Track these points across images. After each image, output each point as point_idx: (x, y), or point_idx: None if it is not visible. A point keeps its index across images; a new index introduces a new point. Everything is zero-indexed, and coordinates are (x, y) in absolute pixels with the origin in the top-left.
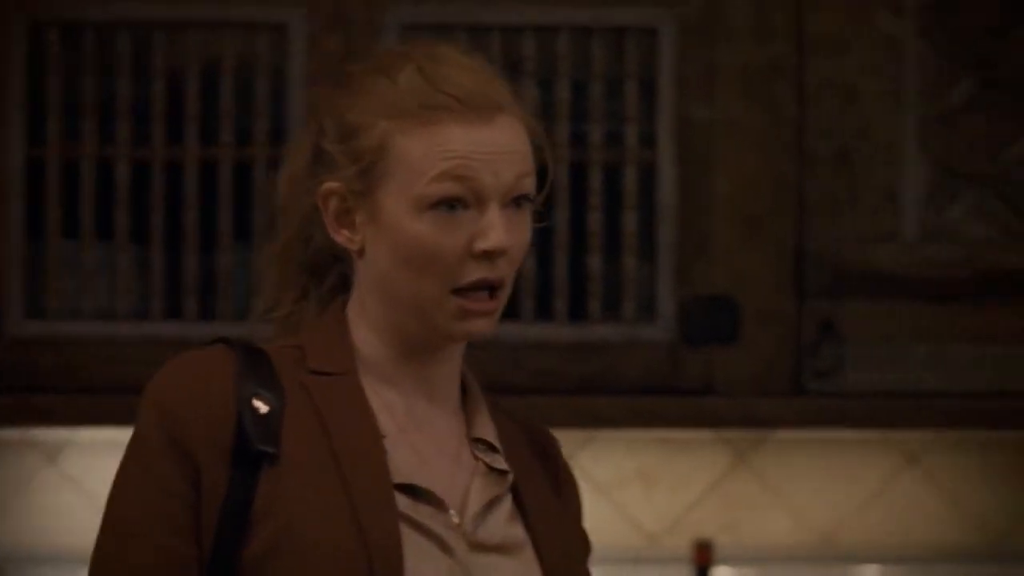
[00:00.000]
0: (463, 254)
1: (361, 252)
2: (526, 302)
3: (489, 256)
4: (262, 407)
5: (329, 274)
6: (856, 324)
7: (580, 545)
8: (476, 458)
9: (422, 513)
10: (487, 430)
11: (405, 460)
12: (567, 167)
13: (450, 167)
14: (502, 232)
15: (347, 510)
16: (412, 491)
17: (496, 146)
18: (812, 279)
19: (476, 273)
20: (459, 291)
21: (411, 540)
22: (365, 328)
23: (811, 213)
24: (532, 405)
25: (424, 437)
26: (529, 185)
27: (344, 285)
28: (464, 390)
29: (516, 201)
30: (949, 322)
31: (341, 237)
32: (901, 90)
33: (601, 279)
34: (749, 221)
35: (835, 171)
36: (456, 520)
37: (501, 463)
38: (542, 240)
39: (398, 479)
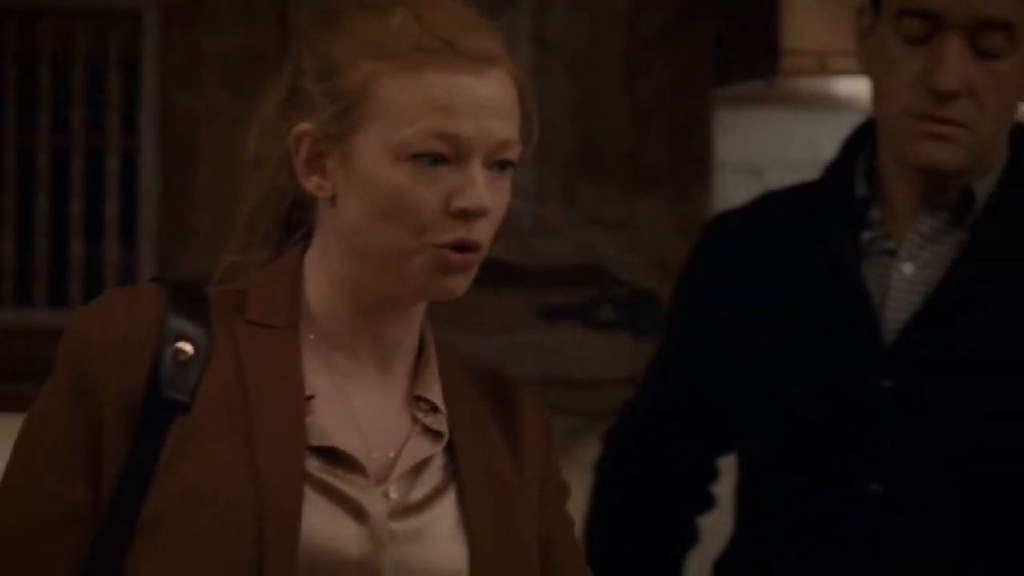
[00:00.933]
0: (441, 211)
1: (332, 200)
2: (4, 287)
3: (467, 215)
4: (182, 354)
5: (301, 226)
6: None
7: (546, 493)
8: (415, 420)
9: (338, 477)
10: (431, 388)
11: (332, 422)
12: (48, 153)
13: (435, 118)
14: (482, 190)
15: (249, 470)
16: (330, 454)
17: (485, 100)
18: None
19: (454, 232)
20: (434, 247)
21: (317, 505)
22: (322, 281)
23: None
24: None
25: (364, 398)
26: (513, 152)
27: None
28: (420, 348)
29: (500, 164)
30: None
31: (311, 184)
32: None
33: (82, 265)
34: (232, 209)
35: None
36: (380, 487)
37: (439, 423)
38: (21, 225)
39: (316, 441)
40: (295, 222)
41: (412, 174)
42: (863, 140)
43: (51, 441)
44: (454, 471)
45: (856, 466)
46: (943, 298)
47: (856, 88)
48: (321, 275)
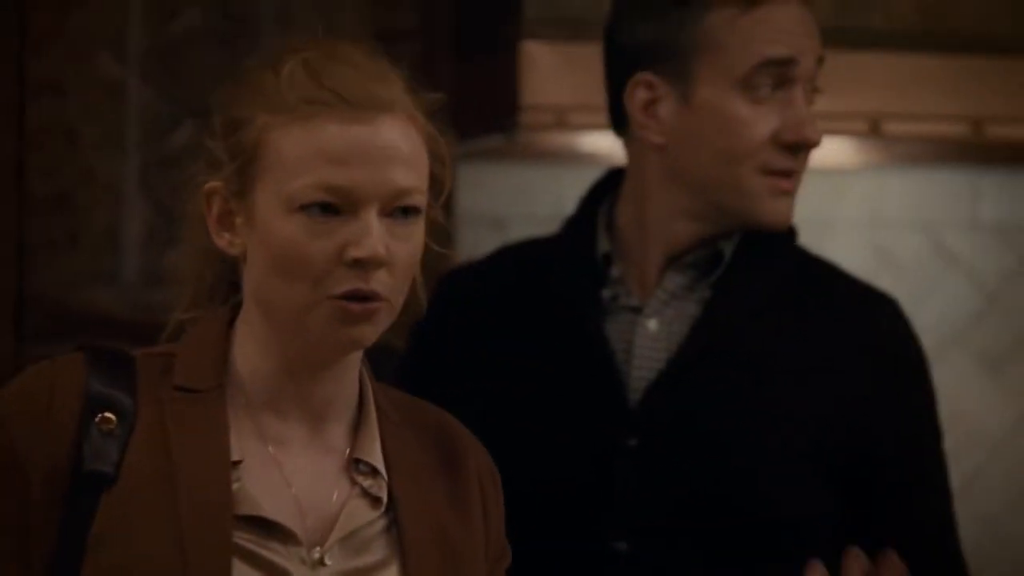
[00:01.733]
0: (334, 261)
1: (244, 257)
2: None
3: (362, 265)
4: (106, 424)
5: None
6: None
7: (495, 556)
8: (353, 483)
9: (268, 547)
10: (371, 450)
11: (261, 488)
12: None
13: (323, 170)
14: (376, 240)
15: (176, 543)
16: (260, 523)
17: (377, 148)
18: (31, 321)
19: (348, 283)
20: (331, 299)
21: None
22: (248, 342)
23: (32, 256)
24: None
25: (296, 462)
26: (418, 199)
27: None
28: (360, 405)
29: (403, 211)
30: None
31: (223, 241)
32: (124, 133)
33: None
34: None
35: (56, 214)
36: (313, 555)
37: (378, 488)
38: None
39: (245, 510)
40: (229, 285)
41: (304, 226)
42: (602, 195)
43: None
44: (397, 537)
45: (602, 524)
46: (685, 356)
47: (596, 143)
48: (247, 336)
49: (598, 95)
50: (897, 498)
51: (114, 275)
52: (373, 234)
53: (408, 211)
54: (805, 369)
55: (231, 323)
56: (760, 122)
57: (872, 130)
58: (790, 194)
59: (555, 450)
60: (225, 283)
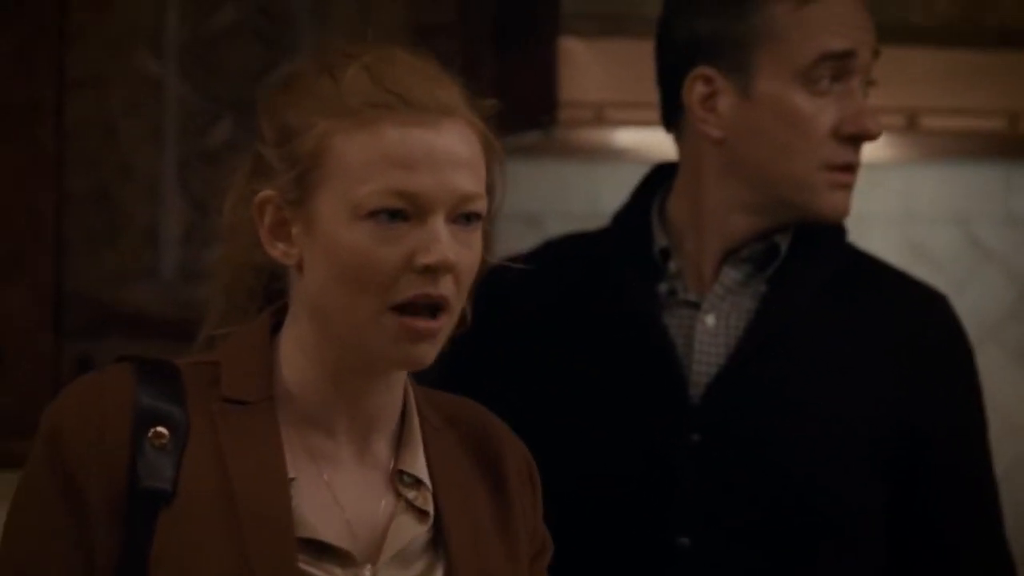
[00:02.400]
0: (402, 268)
1: (300, 267)
2: None
3: (431, 271)
4: (159, 439)
5: (277, 299)
6: None
7: (535, 551)
8: (399, 495)
9: (326, 569)
10: (415, 461)
11: (315, 509)
12: None
13: (392, 175)
14: (446, 246)
15: (240, 565)
16: (316, 545)
17: (443, 153)
18: (71, 317)
19: (416, 288)
20: (397, 309)
21: None
22: (296, 354)
23: (69, 251)
24: None
25: (343, 477)
26: (480, 204)
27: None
28: (403, 417)
29: (466, 217)
30: None
31: (277, 251)
32: (162, 129)
33: None
34: (3, 258)
35: (95, 208)
36: (366, 573)
37: (424, 501)
38: None
39: (302, 532)
40: (274, 294)
41: (371, 233)
42: (654, 190)
43: (41, 541)
44: (443, 549)
45: (665, 520)
46: (744, 351)
47: (633, 139)
48: (295, 347)
49: (636, 91)
50: (946, 490)
51: (153, 271)
52: (442, 240)
53: (471, 217)
54: (858, 363)
55: (273, 333)
56: (821, 115)
57: (910, 125)
58: (849, 187)
59: (617, 446)
60: (260, 298)
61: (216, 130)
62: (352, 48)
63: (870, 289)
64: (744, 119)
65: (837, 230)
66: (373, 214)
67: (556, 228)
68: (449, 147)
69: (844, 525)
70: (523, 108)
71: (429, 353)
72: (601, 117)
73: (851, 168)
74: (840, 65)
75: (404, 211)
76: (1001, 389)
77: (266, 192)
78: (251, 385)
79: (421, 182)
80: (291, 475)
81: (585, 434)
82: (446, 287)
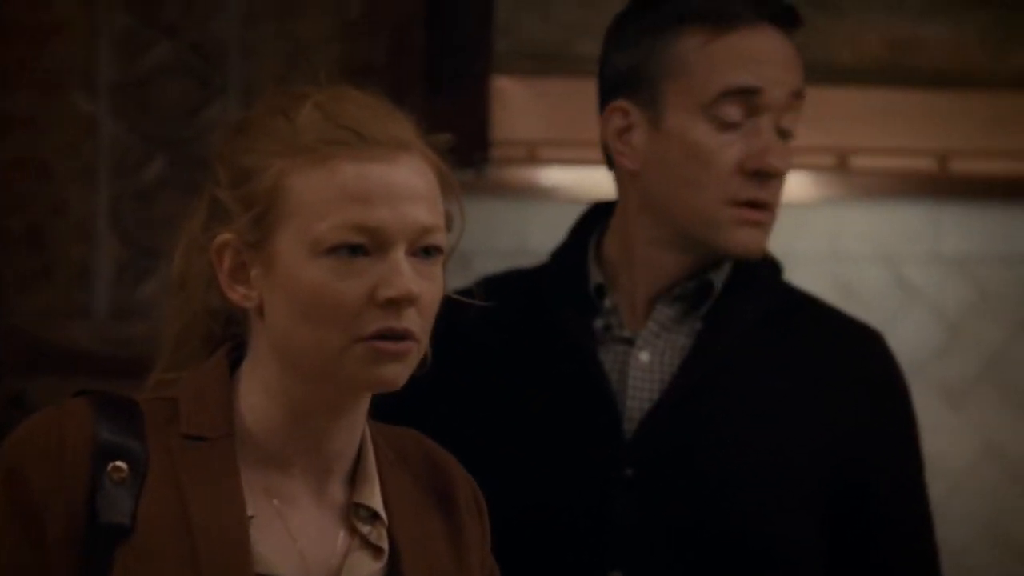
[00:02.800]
0: (365, 303)
1: (260, 310)
2: None
3: (394, 304)
4: (118, 473)
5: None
6: (47, 400)
7: None
8: (354, 532)
9: None
10: (372, 495)
11: (271, 546)
12: None
13: (350, 210)
14: (408, 278)
15: None
16: None
17: (400, 186)
18: (3, 354)
19: (380, 322)
20: (363, 340)
21: None
22: (258, 394)
23: (2, 288)
24: None
25: (300, 514)
26: (439, 237)
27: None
28: (359, 452)
29: (425, 250)
30: None
31: (237, 295)
32: (95, 167)
33: None
34: None
35: (28, 246)
36: None
37: (378, 537)
38: None
39: (260, 569)
40: (227, 339)
41: (332, 269)
42: (591, 227)
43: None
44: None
45: (599, 553)
46: (678, 388)
47: (563, 177)
48: (256, 388)
49: (568, 129)
50: (885, 528)
51: (86, 309)
52: (403, 272)
53: (430, 250)
54: (795, 401)
55: (231, 372)
56: (725, 150)
57: (839, 164)
58: (760, 224)
59: (551, 480)
60: (215, 343)
61: (149, 168)
62: (304, 89)
63: (805, 326)
64: (655, 152)
65: (773, 268)
66: (333, 250)
67: (484, 266)
68: (406, 180)
69: (777, 561)
70: (455, 147)
71: (400, 374)
72: (533, 155)
73: (757, 205)
74: (746, 101)
75: (364, 246)
76: (928, 429)
77: (224, 236)
78: (210, 421)
79: (380, 216)
80: (249, 512)
81: (523, 466)
82: (410, 320)
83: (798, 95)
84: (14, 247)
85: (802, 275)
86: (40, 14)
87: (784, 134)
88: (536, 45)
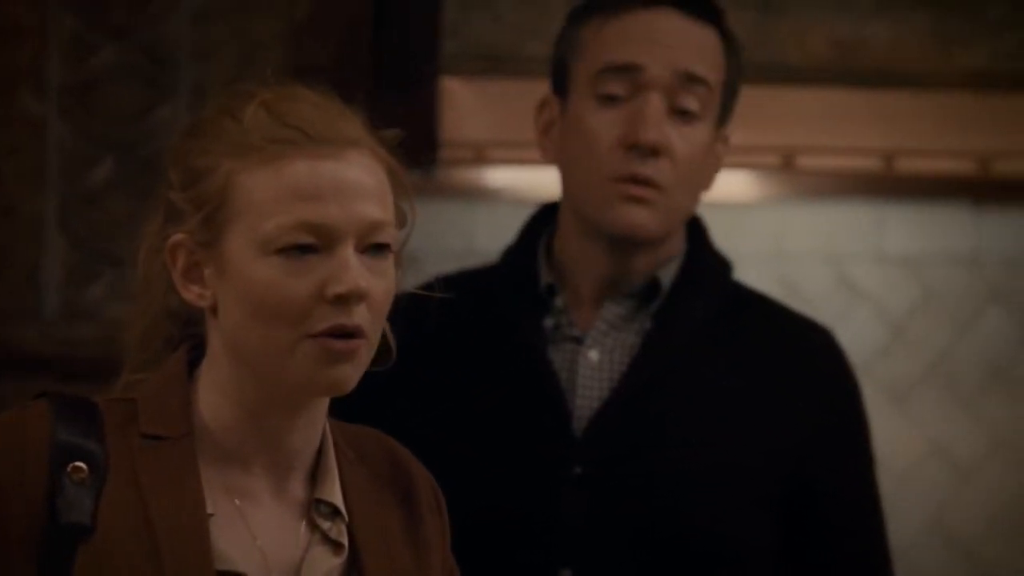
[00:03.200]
0: (315, 300)
1: (214, 309)
2: None
3: (343, 300)
4: (78, 474)
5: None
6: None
7: None
8: (314, 528)
9: None
10: (332, 492)
11: (231, 543)
12: None
13: (298, 208)
14: (356, 274)
15: None
16: None
17: (348, 183)
18: None
19: (330, 319)
20: (312, 337)
21: None
22: (215, 393)
23: None
24: None
25: (260, 512)
26: (388, 234)
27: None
28: (319, 450)
29: (375, 247)
30: None
31: (191, 294)
32: (43, 169)
33: None
34: None
35: None
36: None
37: (338, 533)
38: None
39: (221, 565)
40: (190, 339)
41: (281, 267)
42: (542, 227)
43: None
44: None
45: (548, 553)
46: (627, 386)
47: (511, 178)
48: (213, 388)
49: (516, 131)
50: (837, 526)
51: (35, 311)
52: (352, 268)
53: (380, 247)
54: (745, 399)
55: (189, 371)
56: (608, 127)
57: (785, 164)
58: (643, 201)
59: (501, 478)
60: (174, 341)
61: (97, 170)
62: (252, 88)
63: (755, 324)
64: (561, 140)
65: (723, 266)
66: (282, 250)
67: (433, 267)
68: (354, 177)
69: (727, 559)
70: (403, 148)
71: (351, 376)
72: (481, 157)
73: (638, 180)
74: (628, 79)
75: (313, 244)
76: (874, 428)
77: (177, 236)
78: (169, 421)
79: (328, 213)
80: (209, 510)
81: (474, 465)
82: (360, 316)
83: (691, 77)
84: None
85: (747, 274)
86: None
87: (684, 115)
88: (484, 46)
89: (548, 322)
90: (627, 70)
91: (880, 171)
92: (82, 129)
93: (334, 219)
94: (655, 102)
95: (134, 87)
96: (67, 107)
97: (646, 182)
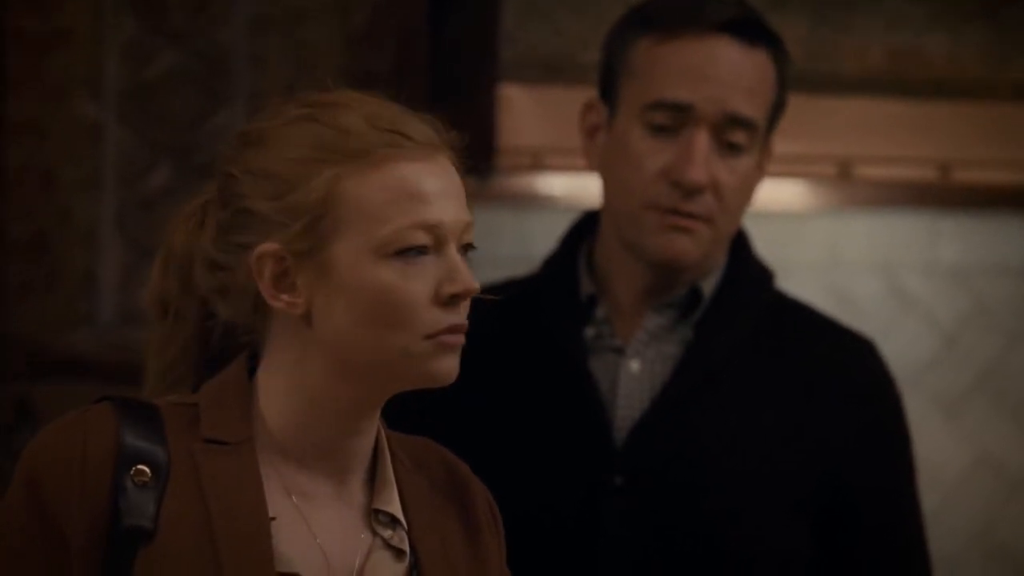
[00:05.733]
0: (431, 301)
1: (306, 317)
2: None
3: (458, 299)
4: (141, 477)
5: (229, 353)
6: (51, 407)
7: None
8: (375, 534)
9: None
10: (390, 500)
11: (294, 546)
12: None
13: (414, 210)
14: (468, 275)
15: None
16: None
17: (449, 185)
18: (9, 361)
19: (448, 319)
20: (430, 338)
21: None
22: (284, 397)
23: (8, 295)
24: None
25: (322, 515)
26: (473, 235)
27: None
28: (375, 457)
29: (465, 248)
30: None
31: (280, 303)
32: (101, 174)
33: None
34: None
35: (34, 253)
36: None
37: (399, 540)
38: None
39: (282, 567)
40: (224, 352)
41: (399, 270)
42: (583, 236)
43: (17, 573)
44: None
45: (592, 561)
46: (670, 396)
47: (567, 185)
48: (282, 391)
49: (573, 137)
50: (876, 537)
51: (91, 316)
52: (463, 268)
53: (468, 248)
54: (785, 410)
55: (250, 375)
56: (653, 156)
57: (841, 173)
58: (687, 231)
59: (543, 488)
60: (193, 372)
61: (155, 176)
62: (320, 96)
63: (796, 335)
64: (606, 151)
65: (764, 275)
66: (401, 252)
67: (487, 273)
68: (451, 179)
69: (766, 570)
70: (461, 154)
71: (456, 367)
72: (539, 163)
73: (681, 213)
74: (677, 115)
75: (427, 246)
76: (923, 439)
77: (267, 246)
78: (231, 426)
79: (440, 214)
80: (271, 514)
81: (516, 474)
82: (465, 314)
83: (739, 119)
84: (20, 254)
85: (800, 283)
86: (47, 21)
87: (731, 148)
88: (542, 53)
89: (589, 332)
90: (680, 109)
91: (935, 182)
92: (139, 134)
93: (445, 219)
94: (703, 140)
95: (191, 93)
96: (124, 112)
97: (691, 215)
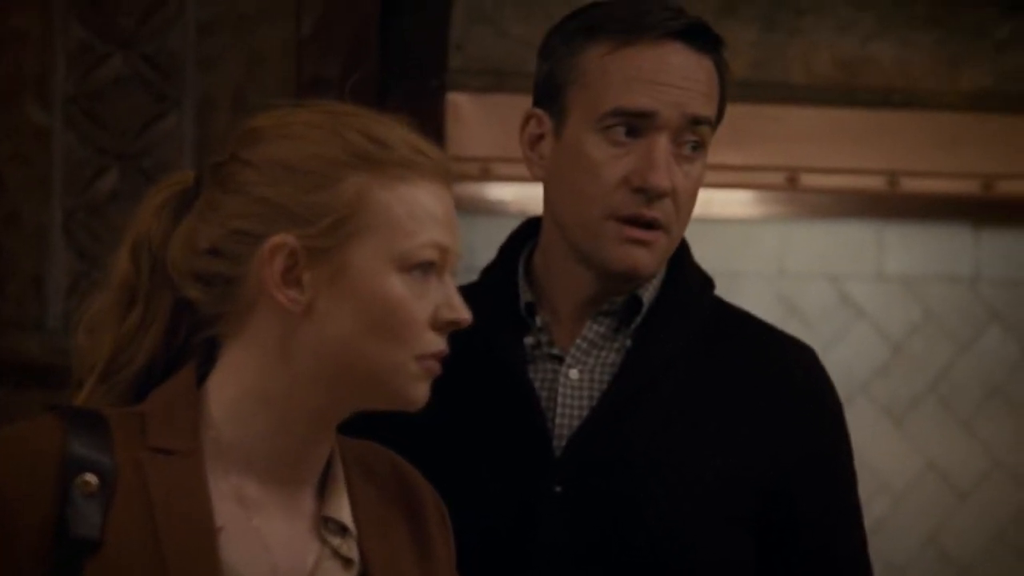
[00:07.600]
0: (428, 323)
1: (307, 313)
2: None
3: (451, 327)
4: (87, 486)
5: (193, 339)
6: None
7: None
8: (324, 543)
9: None
10: (341, 508)
11: (241, 554)
12: None
13: (434, 229)
14: (462, 303)
15: None
16: None
17: (452, 213)
18: None
19: (439, 344)
20: (421, 359)
21: None
22: (237, 404)
23: None
24: None
25: (271, 524)
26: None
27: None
28: (328, 465)
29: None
30: None
31: (283, 297)
32: (49, 179)
33: None
34: None
35: None
36: None
37: (348, 549)
38: None
39: None
40: (190, 337)
41: (411, 286)
42: (522, 244)
43: None
44: None
45: (527, 570)
46: (609, 404)
47: (516, 194)
48: (238, 398)
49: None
50: (815, 546)
51: (39, 320)
52: (457, 296)
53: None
54: (725, 418)
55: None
56: (612, 164)
57: (788, 183)
58: (646, 244)
59: (481, 496)
60: (179, 345)
61: (103, 180)
62: (331, 105)
63: (737, 343)
64: (555, 162)
65: (704, 283)
66: (418, 266)
67: None
68: (452, 207)
69: None
70: None
71: (427, 393)
72: (487, 172)
73: (642, 223)
74: (637, 122)
75: (436, 265)
76: (871, 446)
77: (282, 237)
78: (178, 435)
79: (450, 239)
80: (219, 523)
81: (456, 484)
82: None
83: (696, 120)
84: None
85: (748, 292)
86: None
87: (692, 151)
88: (490, 62)
89: (528, 340)
90: (640, 116)
91: (882, 191)
92: (87, 139)
93: (452, 244)
94: (664, 145)
95: (140, 97)
96: (72, 117)
97: (650, 224)
